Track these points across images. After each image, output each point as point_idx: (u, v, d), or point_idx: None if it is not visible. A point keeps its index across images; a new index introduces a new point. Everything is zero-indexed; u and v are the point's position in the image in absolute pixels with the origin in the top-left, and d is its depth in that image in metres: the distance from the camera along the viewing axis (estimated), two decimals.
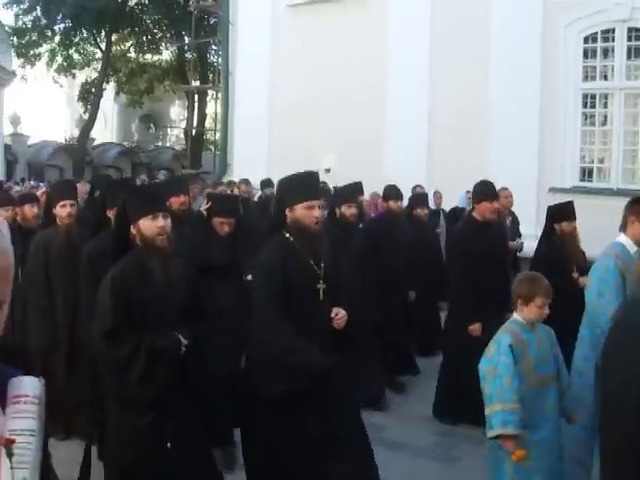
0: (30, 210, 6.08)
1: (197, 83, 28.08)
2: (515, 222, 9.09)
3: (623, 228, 4.58)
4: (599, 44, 12.82)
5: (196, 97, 28.44)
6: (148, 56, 32.61)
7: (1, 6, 27.68)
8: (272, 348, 3.77)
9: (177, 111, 40.87)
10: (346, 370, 4.00)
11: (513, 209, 9.28)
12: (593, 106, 13.11)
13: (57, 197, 5.47)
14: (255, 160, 15.72)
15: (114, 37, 30.48)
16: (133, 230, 3.65)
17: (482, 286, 5.63)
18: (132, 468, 3.52)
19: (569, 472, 4.08)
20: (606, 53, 12.93)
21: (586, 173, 13.14)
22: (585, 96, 13.07)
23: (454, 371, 5.96)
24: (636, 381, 1.54)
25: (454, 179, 11.71)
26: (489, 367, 3.76)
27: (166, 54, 32.82)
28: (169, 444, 3.51)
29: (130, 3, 29.41)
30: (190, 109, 26.57)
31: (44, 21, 28.88)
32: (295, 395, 3.70)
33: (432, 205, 10.59)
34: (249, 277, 5.98)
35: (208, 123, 30.78)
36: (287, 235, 4.00)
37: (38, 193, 8.75)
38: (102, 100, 31.16)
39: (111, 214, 4.57)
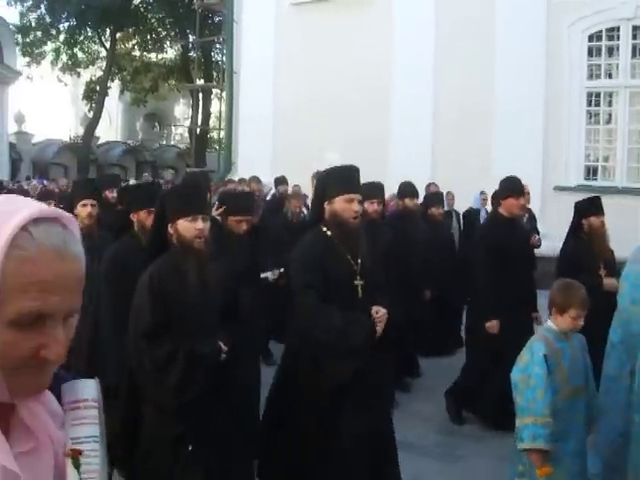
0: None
1: (201, 82, 28.07)
2: (532, 219, 9.03)
3: None
4: (604, 42, 12.81)
5: (200, 96, 28.44)
6: (152, 55, 32.63)
7: (5, 3, 27.69)
8: (328, 331, 3.72)
9: (181, 110, 40.91)
10: (382, 370, 4.02)
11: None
12: (598, 104, 13.10)
13: (78, 196, 5.23)
14: (259, 158, 15.72)
15: (118, 36, 30.51)
16: (170, 230, 3.56)
17: (507, 284, 5.52)
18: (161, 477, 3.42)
19: (605, 479, 4.04)
20: (611, 51, 12.92)
21: (591, 171, 13.13)
22: (590, 94, 13.06)
23: (477, 371, 5.86)
24: None
25: (458, 178, 11.72)
26: (522, 376, 3.63)
27: (170, 53, 32.85)
28: (190, 447, 3.40)
29: (134, 1, 29.42)
30: (194, 108, 26.55)
31: (49, 19, 28.92)
32: (338, 392, 3.71)
33: (445, 206, 10.56)
34: (268, 275, 5.99)
35: (212, 122, 30.78)
36: (324, 229, 3.95)
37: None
38: (107, 99, 31.19)
39: (135, 217, 4.46)
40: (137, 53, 32.61)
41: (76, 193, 5.35)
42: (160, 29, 31.28)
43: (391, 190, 8.57)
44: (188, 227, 3.50)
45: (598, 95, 13.08)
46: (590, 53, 12.97)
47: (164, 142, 39.31)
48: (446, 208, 10.65)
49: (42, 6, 28.55)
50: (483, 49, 13.34)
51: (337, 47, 14.95)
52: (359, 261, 3.92)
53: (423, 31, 14.20)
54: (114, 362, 4.11)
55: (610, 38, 12.81)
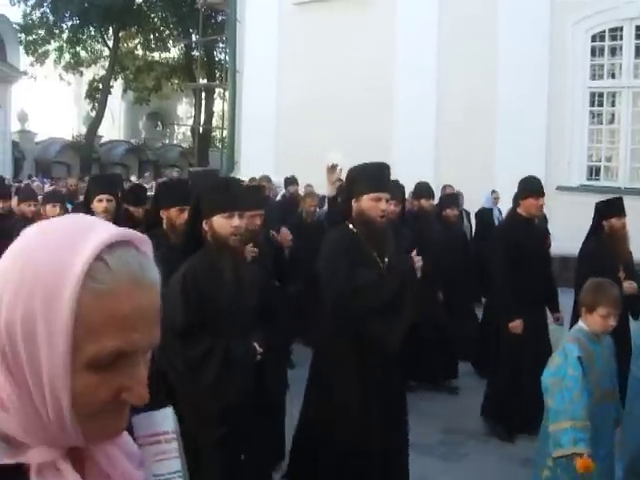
0: (52, 210, 5.86)
1: (204, 81, 28.11)
2: (544, 219, 8.96)
3: None
4: (607, 42, 12.81)
5: (203, 95, 28.47)
6: (155, 54, 32.65)
7: (8, 2, 27.70)
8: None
9: (184, 109, 40.93)
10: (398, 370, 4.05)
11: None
12: (601, 104, 13.10)
13: (94, 191, 5.11)
14: (262, 158, 15.73)
15: (121, 34, 30.54)
16: (205, 226, 3.43)
17: (523, 284, 5.44)
18: None
19: None
20: (614, 51, 12.92)
21: (593, 172, 13.13)
22: (593, 94, 13.06)
23: (504, 377, 5.73)
24: None
25: (461, 177, 11.71)
26: (554, 379, 3.47)
27: (173, 52, 32.87)
28: (243, 456, 3.34)
29: (137, 0, 29.47)
30: (197, 107, 26.60)
31: (52, 18, 28.97)
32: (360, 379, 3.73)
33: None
34: None
35: (215, 121, 30.81)
36: (351, 226, 3.94)
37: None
38: (109, 97, 31.22)
39: (164, 215, 4.36)
40: (140, 52, 32.64)
41: (92, 188, 5.24)
42: (163, 28, 31.31)
43: None
44: (224, 224, 3.38)
45: (601, 95, 13.08)
46: (593, 53, 12.97)
47: (167, 141, 39.31)
48: None
49: (45, 5, 28.58)
50: (486, 49, 13.34)
51: (340, 46, 14.96)
52: (385, 260, 3.91)
53: (426, 30, 14.21)
54: None
55: (613, 38, 12.80)
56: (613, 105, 13.19)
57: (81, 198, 9.43)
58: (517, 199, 5.83)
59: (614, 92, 13.05)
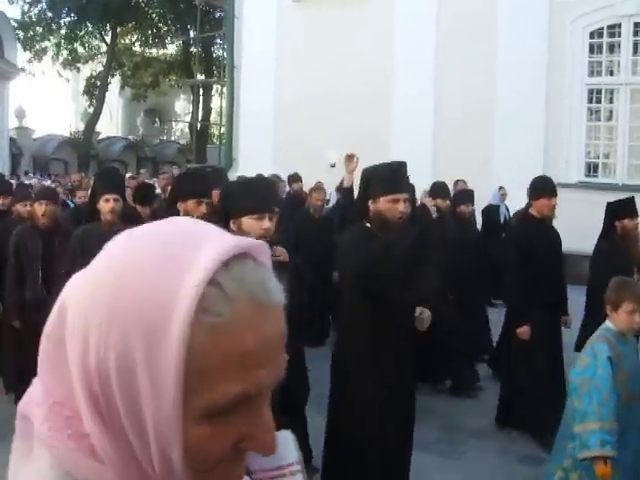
0: (39, 208, 5.72)
1: (202, 77, 28.07)
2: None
3: None
4: (605, 39, 12.81)
5: (201, 91, 28.44)
6: (153, 50, 32.61)
7: (7, 1, 27.67)
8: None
9: (182, 105, 40.88)
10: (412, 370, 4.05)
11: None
12: (599, 101, 13.11)
13: (101, 191, 4.96)
14: (260, 154, 15.73)
15: (119, 31, 30.50)
16: (233, 226, 3.30)
17: (537, 286, 5.32)
18: None
19: None
20: (612, 48, 12.92)
21: (591, 168, 13.14)
22: (591, 91, 13.07)
23: (532, 385, 5.52)
24: None
25: (459, 174, 11.70)
26: (583, 379, 3.40)
27: (171, 48, 32.84)
28: None
29: None
30: (195, 103, 26.55)
31: (49, 14, 28.92)
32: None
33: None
34: None
35: (213, 117, 30.79)
36: (368, 225, 3.89)
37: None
38: (107, 94, 31.18)
39: (181, 207, 4.26)
40: (138, 48, 32.59)
41: (98, 188, 5.05)
42: (161, 24, 31.29)
43: None
44: (253, 226, 3.25)
45: (599, 92, 13.08)
46: (591, 50, 12.97)
47: (165, 138, 39.29)
48: None
49: (43, 1, 28.53)
50: (484, 46, 13.34)
51: (338, 42, 14.94)
52: None
53: (424, 27, 14.20)
54: None
55: (611, 35, 12.80)
56: (611, 102, 13.19)
57: (78, 194, 9.42)
58: (529, 200, 5.68)
59: (612, 89, 13.06)
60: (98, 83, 31.26)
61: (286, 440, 0.93)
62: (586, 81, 12.99)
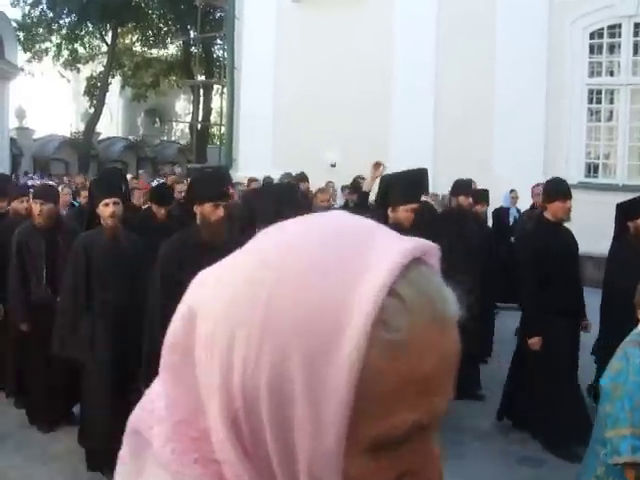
0: (36, 208, 5.67)
1: (202, 77, 28.07)
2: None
3: None
4: (605, 40, 12.81)
5: (201, 91, 28.42)
6: (154, 50, 32.61)
7: (9, 4, 27.70)
8: None
9: (182, 105, 40.85)
10: None
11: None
12: (599, 102, 13.10)
13: (99, 196, 4.87)
14: (260, 154, 15.74)
15: (119, 31, 30.50)
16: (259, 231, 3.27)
17: (555, 291, 5.20)
18: None
19: None
20: (612, 49, 12.92)
21: (592, 169, 13.13)
22: (591, 92, 13.06)
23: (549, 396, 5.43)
24: None
25: (459, 174, 11.69)
26: (615, 384, 3.29)
27: (171, 48, 32.83)
28: None
29: None
30: (195, 104, 26.55)
31: (50, 15, 28.92)
32: None
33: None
34: None
35: (213, 118, 30.78)
36: None
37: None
38: (107, 94, 31.17)
39: (198, 210, 4.12)
40: (138, 49, 32.60)
41: (96, 193, 4.96)
42: (161, 25, 31.29)
43: None
44: None
45: (599, 92, 13.08)
46: (591, 50, 12.96)
47: (165, 138, 39.27)
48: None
49: (43, 2, 28.53)
50: (484, 46, 13.34)
51: (338, 43, 14.95)
52: None
53: (424, 27, 14.19)
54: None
55: (612, 35, 12.80)
56: (611, 102, 13.19)
57: (83, 194, 9.33)
58: (543, 203, 5.60)
59: (612, 89, 13.05)
60: (98, 83, 31.25)
61: None
62: (586, 81, 12.98)
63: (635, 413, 3.20)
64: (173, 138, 39.95)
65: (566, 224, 5.49)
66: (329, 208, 8.26)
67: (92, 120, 30.39)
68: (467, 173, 11.96)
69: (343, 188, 10.71)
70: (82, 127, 32.30)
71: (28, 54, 29.60)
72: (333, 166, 14.43)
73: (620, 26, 12.66)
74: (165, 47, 32.50)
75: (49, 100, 33.87)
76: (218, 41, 28.20)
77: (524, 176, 11.22)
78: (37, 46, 29.88)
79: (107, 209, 4.78)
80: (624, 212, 5.91)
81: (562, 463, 4.90)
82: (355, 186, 8.51)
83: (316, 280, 0.54)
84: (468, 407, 6.09)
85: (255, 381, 0.54)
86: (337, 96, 14.75)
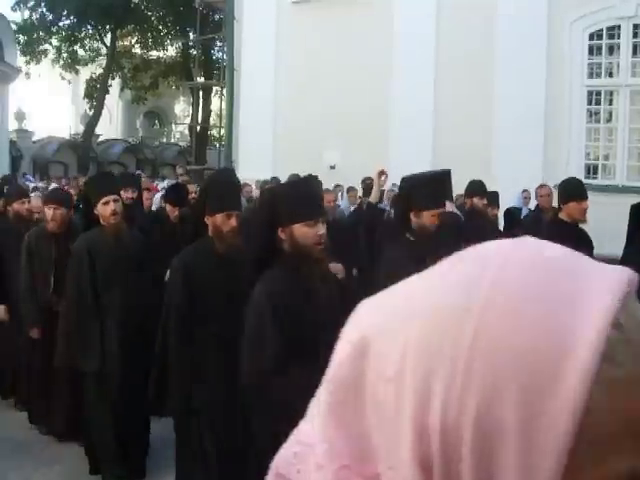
0: (49, 213, 5.52)
1: (202, 79, 28.08)
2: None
3: None
4: (604, 41, 12.81)
5: (201, 93, 28.44)
6: (153, 52, 32.62)
7: (9, 9, 27.73)
8: None
9: (182, 107, 40.89)
10: None
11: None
12: (598, 103, 13.10)
13: (97, 194, 4.66)
14: (260, 156, 15.74)
15: (119, 33, 30.51)
16: (282, 235, 3.00)
17: None
18: None
19: None
20: (611, 50, 12.92)
21: (591, 170, 13.13)
22: (590, 93, 13.06)
23: None
24: None
25: (458, 176, 11.70)
26: None
27: (171, 50, 32.83)
28: None
29: None
30: (195, 105, 26.54)
31: (49, 17, 28.94)
32: None
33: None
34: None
35: (213, 119, 30.79)
36: (411, 238, 3.73)
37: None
38: (107, 96, 31.18)
39: (209, 221, 3.85)
40: (137, 51, 32.61)
41: (93, 191, 4.76)
42: (161, 27, 31.31)
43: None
44: (307, 233, 2.96)
45: (599, 94, 13.08)
46: (591, 51, 12.96)
47: (164, 140, 39.29)
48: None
49: (42, 4, 28.53)
50: (484, 47, 13.33)
51: (337, 45, 14.95)
52: None
53: (424, 28, 14.20)
54: (181, 380, 3.71)
55: (611, 36, 12.80)
56: (611, 103, 13.19)
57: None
58: (558, 203, 5.47)
59: (612, 90, 13.05)
60: (98, 85, 31.25)
61: None
62: (585, 83, 12.99)
63: None
64: (173, 140, 39.96)
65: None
66: (334, 209, 8.25)
67: (91, 122, 30.39)
68: (467, 173, 11.99)
69: (349, 190, 10.70)
70: (81, 129, 32.28)
71: (27, 57, 29.60)
72: (332, 168, 14.42)
73: (619, 27, 12.66)
74: (164, 49, 32.50)
75: (48, 102, 33.88)
76: (217, 43, 28.23)
77: (523, 177, 11.23)
78: (37, 48, 29.87)
79: (108, 207, 4.60)
80: (638, 212, 5.70)
81: None
82: (367, 189, 8.35)
83: (531, 305, 0.48)
84: None
85: (458, 421, 0.48)
86: (336, 98, 14.76)
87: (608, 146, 13.24)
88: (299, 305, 2.91)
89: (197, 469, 3.77)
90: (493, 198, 7.73)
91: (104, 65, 30.69)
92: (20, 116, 28.12)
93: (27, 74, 29.81)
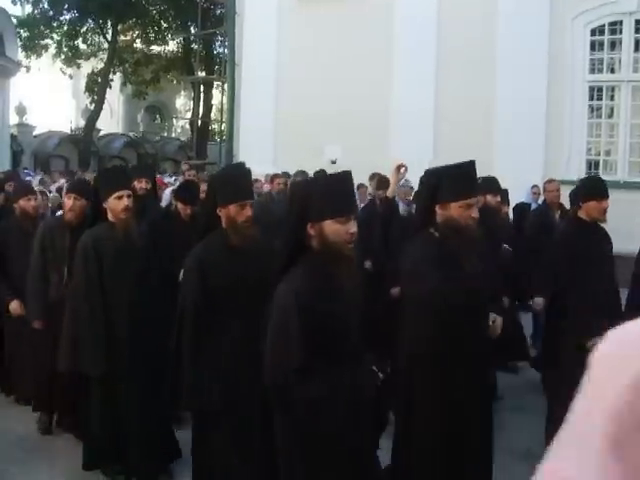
0: (69, 203, 5.40)
1: (203, 74, 28.06)
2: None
3: None
4: (606, 36, 12.80)
5: (202, 88, 28.42)
6: (154, 47, 32.59)
7: (10, 3, 27.67)
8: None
9: (183, 102, 40.89)
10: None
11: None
12: (600, 98, 13.11)
13: (109, 188, 4.55)
14: (261, 151, 15.73)
15: (120, 27, 30.47)
16: (311, 230, 2.87)
17: (590, 297, 4.87)
18: None
19: None
20: (613, 45, 12.92)
21: (592, 165, 13.14)
22: (592, 88, 13.06)
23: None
24: None
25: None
26: None
27: (172, 45, 32.80)
28: None
29: None
30: (196, 100, 26.54)
31: (51, 12, 28.91)
32: None
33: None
34: None
35: (214, 114, 30.77)
36: (435, 233, 3.62)
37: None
38: (108, 91, 31.15)
39: (222, 213, 3.73)
40: (139, 45, 32.58)
41: (105, 185, 4.65)
42: (162, 21, 31.27)
43: None
44: (338, 230, 2.83)
45: (600, 89, 13.08)
46: (592, 47, 12.96)
47: (165, 134, 39.28)
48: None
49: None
50: (485, 42, 13.33)
51: (339, 40, 14.94)
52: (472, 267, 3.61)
53: (425, 25, 14.18)
54: (196, 378, 3.64)
55: (613, 32, 12.79)
56: (612, 99, 13.19)
57: None
58: (577, 201, 5.33)
59: (613, 86, 13.06)
60: (99, 80, 31.22)
61: None
62: (587, 78, 12.98)
63: None
64: (173, 135, 39.98)
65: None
66: None
67: (92, 116, 30.37)
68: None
69: (359, 186, 10.61)
70: (82, 124, 32.27)
71: (28, 52, 29.58)
72: (334, 163, 14.42)
73: (621, 23, 12.66)
74: (165, 43, 32.48)
75: (49, 97, 33.86)
76: (219, 37, 28.20)
77: (525, 173, 11.24)
78: (38, 42, 29.84)
79: (121, 202, 4.49)
80: None
81: None
82: (381, 183, 8.28)
83: None
84: None
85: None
86: (338, 92, 14.75)
87: (610, 142, 13.24)
88: (326, 305, 2.81)
89: (215, 468, 3.75)
90: (504, 195, 7.55)
91: (105, 59, 30.66)
92: (21, 110, 28.08)
93: (27, 67, 29.78)
